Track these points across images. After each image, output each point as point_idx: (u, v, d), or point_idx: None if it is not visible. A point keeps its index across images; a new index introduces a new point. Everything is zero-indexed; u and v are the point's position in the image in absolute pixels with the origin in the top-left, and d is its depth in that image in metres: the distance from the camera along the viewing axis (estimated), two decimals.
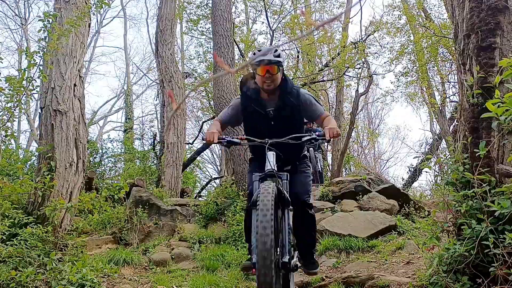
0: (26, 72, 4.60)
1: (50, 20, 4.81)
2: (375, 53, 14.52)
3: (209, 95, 13.32)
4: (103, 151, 12.25)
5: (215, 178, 16.76)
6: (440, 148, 15.85)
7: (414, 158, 19.33)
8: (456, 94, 13.60)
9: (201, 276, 4.37)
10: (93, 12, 5.78)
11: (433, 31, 12.37)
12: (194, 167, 15.63)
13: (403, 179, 16.61)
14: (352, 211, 6.20)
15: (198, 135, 17.00)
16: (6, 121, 4.58)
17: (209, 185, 15.52)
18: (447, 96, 15.10)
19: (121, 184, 4.92)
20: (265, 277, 2.15)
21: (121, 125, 22.78)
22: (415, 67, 13.85)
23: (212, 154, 23.97)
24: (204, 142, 3.43)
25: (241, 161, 6.48)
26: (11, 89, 4.35)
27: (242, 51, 13.05)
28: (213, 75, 7.60)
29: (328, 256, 5.19)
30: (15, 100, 4.44)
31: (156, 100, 19.87)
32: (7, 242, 4.16)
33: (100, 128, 23.94)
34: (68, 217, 5.22)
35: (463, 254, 2.55)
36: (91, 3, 5.97)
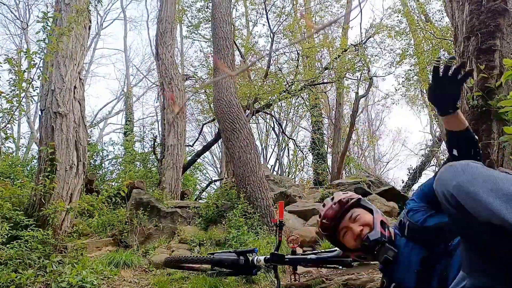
0: (26, 73, 4.61)
1: (50, 21, 4.83)
2: (375, 55, 14.54)
3: (209, 97, 13.33)
4: (104, 154, 12.26)
5: (215, 181, 16.77)
6: (440, 151, 15.86)
7: (420, 149, 19.28)
8: None
9: (201, 279, 4.36)
10: (94, 5, 5.79)
11: (433, 33, 12.38)
12: (194, 170, 15.63)
13: (403, 181, 16.62)
14: None
15: (198, 137, 17.04)
16: (6, 123, 4.59)
17: (209, 188, 15.54)
18: None
19: (120, 186, 4.93)
20: None
21: (121, 127, 22.81)
22: (416, 69, 13.85)
23: (212, 156, 24.01)
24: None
25: (241, 164, 6.47)
26: (14, 79, 4.35)
27: (243, 54, 13.07)
28: (214, 79, 7.59)
29: None
30: (15, 101, 4.45)
31: (156, 102, 19.91)
32: (8, 245, 4.16)
33: (100, 131, 23.97)
34: (68, 219, 5.22)
35: None
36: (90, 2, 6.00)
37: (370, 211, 1.87)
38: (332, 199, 1.94)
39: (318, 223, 1.97)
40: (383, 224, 1.80)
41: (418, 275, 1.63)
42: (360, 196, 1.94)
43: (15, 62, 4.49)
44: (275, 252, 2.76)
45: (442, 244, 1.59)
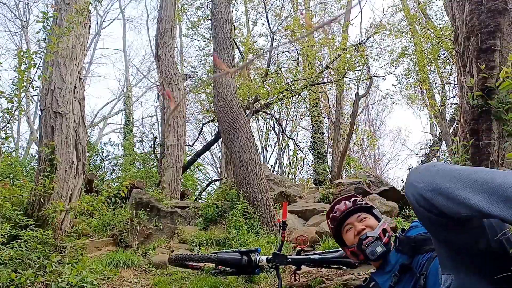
0: (26, 73, 4.61)
1: (50, 21, 4.83)
2: (375, 55, 14.53)
3: (209, 97, 13.32)
4: (104, 154, 12.27)
5: (215, 180, 16.76)
6: (440, 150, 15.85)
7: (421, 149, 19.29)
8: (456, 96, 13.61)
9: (201, 279, 4.36)
10: (94, 5, 5.81)
11: (433, 32, 12.37)
12: (194, 169, 15.63)
13: (403, 181, 16.59)
14: None
15: (198, 137, 17.04)
16: (6, 123, 4.58)
17: (209, 187, 15.53)
18: (448, 98, 15.11)
19: (120, 186, 4.92)
20: None
21: (121, 127, 22.82)
22: (416, 68, 13.85)
23: (212, 156, 24.01)
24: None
25: (241, 164, 6.46)
26: (15, 83, 4.35)
27: (243, 53, 13.05)
28: (212, 76, 7.63)
29: None
30: (15, 101, 4.45)
31: (156, 102, 19.92)
32: (7, 245, 4.16)
33: (100, 130, 23.97)
34: (68, 219, 5.22)
35: None
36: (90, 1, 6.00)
37: (378, 219, 1.99)
38: (348, 197, 2.07)
39: (329, 215, 2.09)
40: (384, 231, 1.90)
41: (395, 278, 1.74)
42: (373, 206, 2.07)
43: (23, 60, 4.48)
44: (278, 252, 2.76)
45: (424, 255, 1.66)
